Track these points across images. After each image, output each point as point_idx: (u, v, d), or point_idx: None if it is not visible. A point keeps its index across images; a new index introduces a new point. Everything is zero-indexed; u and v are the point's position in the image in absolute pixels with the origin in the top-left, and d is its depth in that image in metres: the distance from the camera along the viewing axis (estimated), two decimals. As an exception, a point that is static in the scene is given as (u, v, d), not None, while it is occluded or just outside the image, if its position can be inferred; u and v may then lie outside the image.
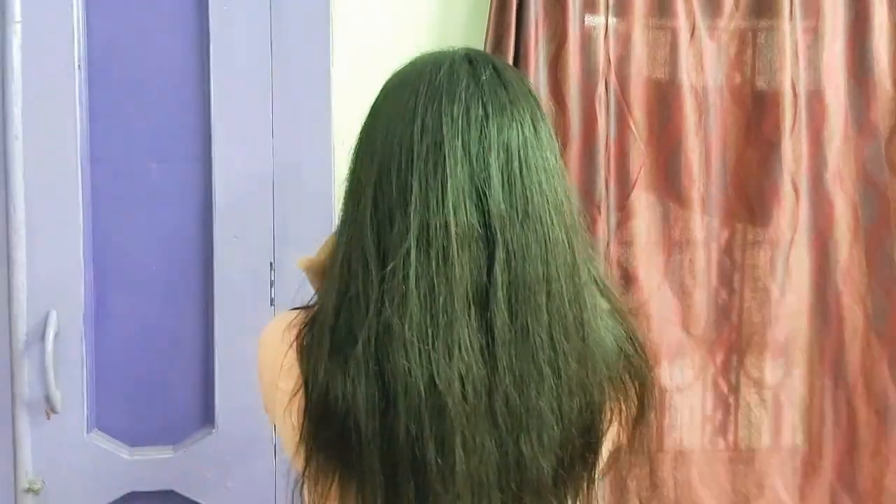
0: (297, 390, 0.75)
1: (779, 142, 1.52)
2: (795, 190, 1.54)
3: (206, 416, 1.38)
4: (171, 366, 1.37)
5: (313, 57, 1.36)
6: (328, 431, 0.74)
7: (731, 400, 1.67)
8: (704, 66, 1.51)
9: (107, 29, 1.33)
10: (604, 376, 0.78)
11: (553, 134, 0.80)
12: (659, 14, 1.50)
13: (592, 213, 1.47)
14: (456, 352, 0.71)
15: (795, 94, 1.52)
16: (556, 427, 0.74)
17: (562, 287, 0.74)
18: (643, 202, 1.55)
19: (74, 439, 1.34)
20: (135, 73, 1.34)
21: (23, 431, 1.33)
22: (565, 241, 0.76)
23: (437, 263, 0.72)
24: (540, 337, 0.73)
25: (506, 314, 0.72)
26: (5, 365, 1.32)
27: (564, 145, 1.45)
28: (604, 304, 0.81)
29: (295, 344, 0.77)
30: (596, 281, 0.80)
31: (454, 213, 0.72)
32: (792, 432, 1.70)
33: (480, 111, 0.75)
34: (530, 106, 0.78)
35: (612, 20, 1.47)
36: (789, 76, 1.51)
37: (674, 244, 1.58)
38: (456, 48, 0.81)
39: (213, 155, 1.35)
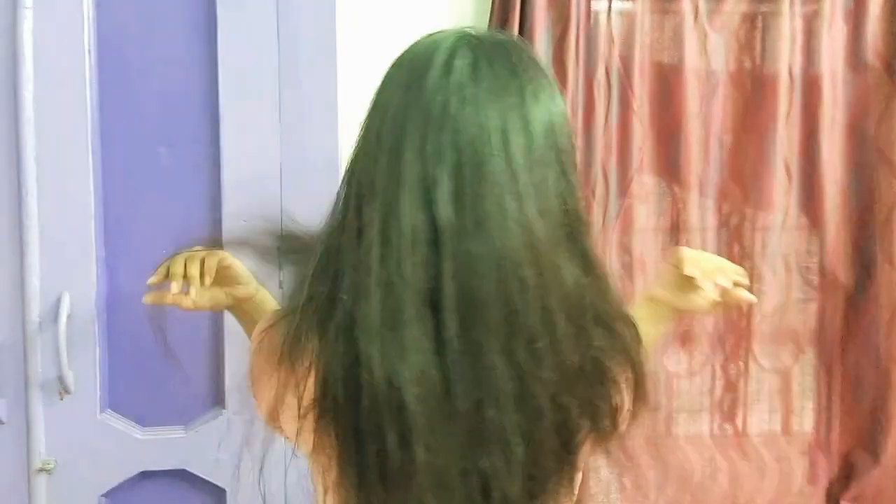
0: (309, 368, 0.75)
1: (775, 126, 1.52)
2: (788, 174, 1.55)
3: (216, 398, 1.39)
4: (182, 347, 1.39)
5: (320, 42, 1.37)
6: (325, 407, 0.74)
7: (741, 385, 1.67)
8: (707, 49, 1.52)
9: (117, 13, 1.34)
10: (584, 397, 0.74)
11: (559, 129, 0.75)
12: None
13: (587, 195, 1.49)
14: (410, 353, 0.70)
15: (792, 79, 1.53)
16: (521, 447, 0.71)
17: (527, 307, 0.70)
18: (646, 185, 1.56)
19: (87, 419, 1.36)
20: (144, 58, 1.36)
21: (36, 412, 1.35)
22: (534, 258, 0.70)
23: (394, 261, 0.70)
24: (493, 359, 0.70)
25: (456, 326, 0.70)
26: (19, 346, 1.34)
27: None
28: (600, 312, 0.75)
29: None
30: (589, 290, 0.74)
31: (406, 213, 0.70)
32: (800, 417, 1.70)
33: (448, 106, 0.71)
34: (520, 98, 0.73)
35: (616, 3, 1.47)
36: (787, 61, 1.52)
37: (677, 227, 1.58)
38: (453, 30, 0.78)
39: (221, 138, 1.36)
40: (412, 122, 0.72)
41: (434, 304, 0.70)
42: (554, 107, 0.76)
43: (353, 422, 0.72)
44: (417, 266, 0.70)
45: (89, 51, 1.34)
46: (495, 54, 0.75)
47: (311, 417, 0.75)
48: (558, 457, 0.74)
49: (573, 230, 0.74)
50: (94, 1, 1.33)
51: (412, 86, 0.74)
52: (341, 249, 0.74)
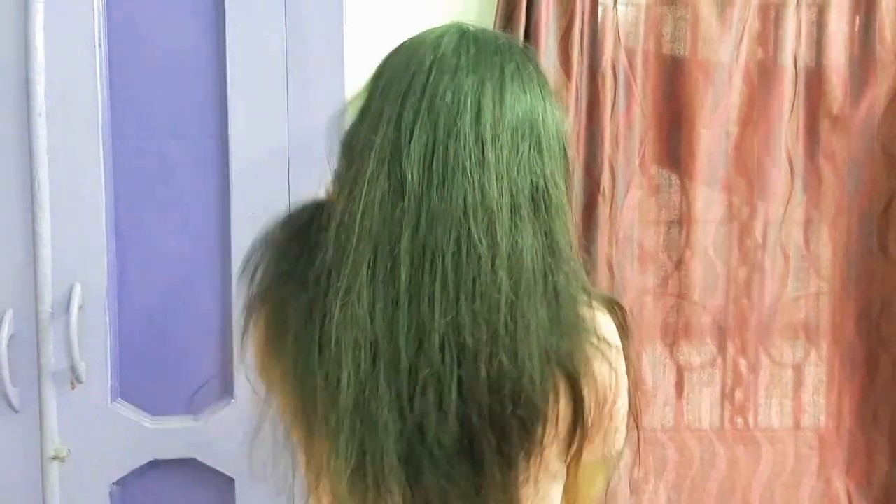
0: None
1: (780, 118, 1.52)
2: (791, 167, 1.55)
3: (226, 387, 1.41)
4: (192, 338, 1.41)
5: (328, 34, 1.38)
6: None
7: (751, 379, 1.67)
8: (712, 42, 1.51)
9: (126, 7, 1.36)
10: (544, 359, 0.76)
11: (541, 115, 0.78)
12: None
13: (592, 188, 1.49)
14: (364, 300, 0.75)
15: (797, 71, 1.52)
16: (455, 397, 0.74)
17: (476, 267, 0.74)
18: (653, 178, 1.56)
19: (98, 408, 1.38)
20: (154, 52, 1.37)
21: (49, 401, 1.37)
22: (489, 223, 0.74)
23: (359, 217, 0.76)
24: (435, 309, 0.74)
25: (407, 274, 0.74)
26: (31, 337, 1.36)
27: (570, 120, 1.46)
28: (555, 290, 0.78)
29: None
30: (548, 269, 0.77)
31: (375, 174, 0.76)
32: (812, 411, 1.70)
33: (429, 74, 0.76)
34: (499, 73, 0.77)
35: (622, -4, 1.47)
36: (792, 53, 1.51)
37: (683, 220, 1.58)
38: (453, 24, 0.83)
39: (229, 132, 1.37)
40: (394, 93, 0.77)
41: (388, 255, 0.75)
42: (536, 98, 0.79)
43: (312, 370, 0.78)
44: (383, 221, 0.75)
45: (99, 45, 1.35)
46: (483, 37, 0.81)
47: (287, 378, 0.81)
48: (509, 415, 0.76)
49: (542, 209, 0.77)
50: (104, -5, 1.35)
51: (400, 64, 0.79)
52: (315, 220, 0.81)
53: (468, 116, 0.75)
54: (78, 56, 1.34)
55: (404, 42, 0.84)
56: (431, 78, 0.76)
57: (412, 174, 0.74)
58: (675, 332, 1.65)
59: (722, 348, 1.65)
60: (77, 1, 1.33)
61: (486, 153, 0.75)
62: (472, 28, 0.82)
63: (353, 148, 0.79)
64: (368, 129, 0.77)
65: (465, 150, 0.74)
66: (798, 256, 1.62)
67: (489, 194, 0.74)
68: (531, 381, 0.75)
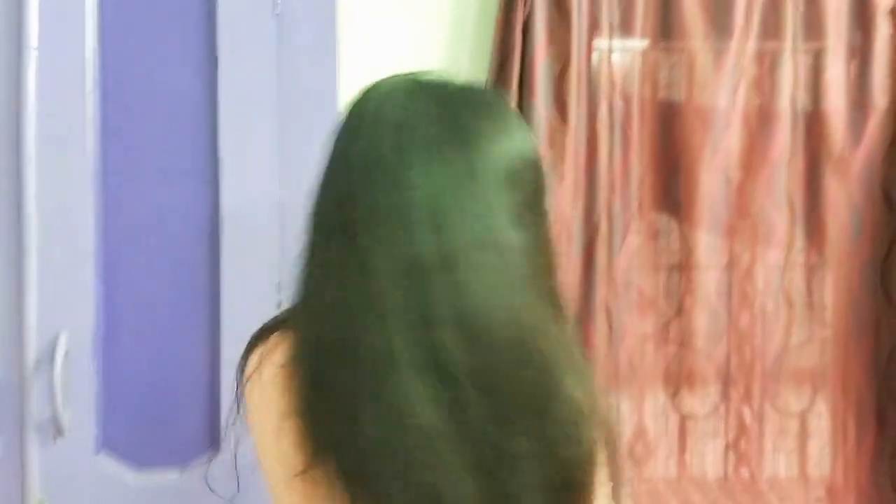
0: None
1: (779, 163, 1.51)
2: (792, 212, 1.54)
3: (212, 440, 1.37)
4: (179, 388, 1.38)
5: (320, 80, 1.37)
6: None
7: (755, 428, 1.63)
8: (708, 87, 1.51)
9: (119, 54, 1.36)
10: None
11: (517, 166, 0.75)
12: (664, 35, 1.50)
13: (591, 233, 1.48)
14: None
15: (795, 116, 1.52)
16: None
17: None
18: (651, 223, 1.54)
19: (82, 461, 1.35)
20: (146, 96, 1.37)
21: (31, 453, 1.34)
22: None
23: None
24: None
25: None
26: (15, 386, 1.33)
27: (567, 164, 1.45)
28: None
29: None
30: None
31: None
32: (818, 461, 1.66)
33: (389, 156, 0.73)
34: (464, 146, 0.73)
35: (617, 41, 1.47)
36: (790, 98, 1.51)
37: (683, 266, 1.56)
38: (402, 76, 0.80)
39: (220, 176, 1.36)
40: (361, 167, 0.73)
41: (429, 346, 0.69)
42: (511, 143, 0.75)
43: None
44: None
45: (92, 90, 1.35)
46: (447, 98, 0.76)
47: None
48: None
49: (542, 274, 0.75)
50: (97, 41, 1.35)
51: (351, 133, 0.76)
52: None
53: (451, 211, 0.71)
54: (70, 102, 1.34)
55: (353, 103, 0.79)
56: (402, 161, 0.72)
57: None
58: (678, 381, 1.61)
59: (725, 397, 1.61)
60: (70, 47, 1.34)
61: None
62: (431, 82, 0.78)
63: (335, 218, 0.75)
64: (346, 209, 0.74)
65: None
66: (801, 303, 1.60)
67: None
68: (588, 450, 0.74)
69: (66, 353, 1.33)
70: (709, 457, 1.65)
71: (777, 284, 1.57)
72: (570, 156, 1.45)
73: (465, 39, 1.48)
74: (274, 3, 1.37)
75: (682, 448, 1.64)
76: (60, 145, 1.34)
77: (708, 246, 1.56)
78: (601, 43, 1.48)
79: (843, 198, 1.55)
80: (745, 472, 1.64)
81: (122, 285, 1.37)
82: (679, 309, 1.58)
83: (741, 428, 1.62)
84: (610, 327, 1.51)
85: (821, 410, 1.64)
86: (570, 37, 1.43)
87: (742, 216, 1.55)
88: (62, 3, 1.34)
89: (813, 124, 1.54)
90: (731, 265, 1.57)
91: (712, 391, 1.62)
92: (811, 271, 1.59)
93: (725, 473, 1.64)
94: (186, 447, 1.38)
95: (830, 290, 1.59)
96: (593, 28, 1.47)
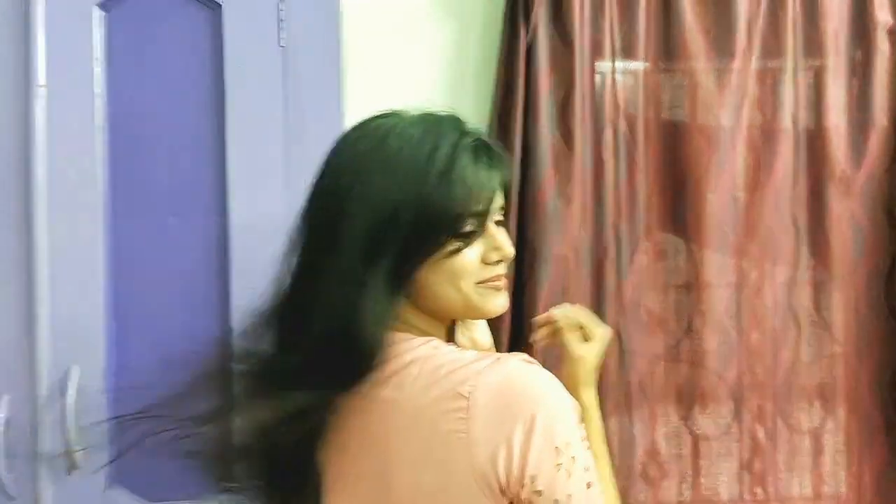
0: None
1: (784, 182, 1.51)
2: (797, 231, 1.53)
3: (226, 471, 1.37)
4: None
5: (325, 110, 1.38)
6: None
7: (769, 447, 1.62)
8: (712, 107, 1.51)
9: (128, 90, 1.38)
10: None
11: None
12: (666, 57, 1.51)
13: (599, 254, 1.47)
14: None
15: (797, 134, 1.52)
16: None
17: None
18: (653, 245, 1.54)
19: (95, 495, 1.35)
20: (154, 132, 1.38)
21: (44, 488, 1.34)
22: None
23: None
24: None
25: None
26: (27, 421, 1.33)
27: (574, 188, 1.45)
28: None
29: None
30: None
31: None
32: (834, 478, 1.64)
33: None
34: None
35: (620, 64, 1.48)
36: (792, 117, 1.51)
37: (692, 285, 1.56)
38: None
39: (228, 208, 1.37)
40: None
41: None
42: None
43: None
44: None
45: (100, 127, 1.36)
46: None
47: None
48: None
49: None
50: (105, 79, 1.37)
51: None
52: None
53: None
54: (79, 139, 1.35)
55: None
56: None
57: None
58: (690, 401, 1.60)
59: (738, 416, 1.60)
60: (78, 85, 1.35)
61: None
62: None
63: None
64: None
65: None
66: (809, 321, 1.59)
67: None
68: None
69: (78, 388, 1.33)
70: (723, 477, 1.64)
71: (785, 303, 1.56)
72: (576, 180, 1.45)
73: (468, 68, 1.49)
74: (279, 36, 1.38)
75: (696, 469, 1.63)
76: (70, 182, 1.35)
77: (716, 264, 1.56)
78: (604, 66, 1.49)
79: (846, 215, 1.55)
80: (759, 491, 1.63)
81: (133, 318, 1.38)
82: (688, 328, 1.57)
83: (755, 447, 1.61)
84: (621, 349, 1.51)
85: (832, 427, 1.63)
86: (572, 62, 1.43)
87: (749, 235, 1.55)
88: (69, 40, 1.35)
89: (815, 142, 1.54)
90: (739, 284, 1.57)
91: (724, 411, 1.61)
92: (818, 289, 1.58)
93: (740, 494, 1.62)
94: (198, 480, 1.37)
95: (838, 308, 1.58)
96: (595, 52, 1.47)
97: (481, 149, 0.87)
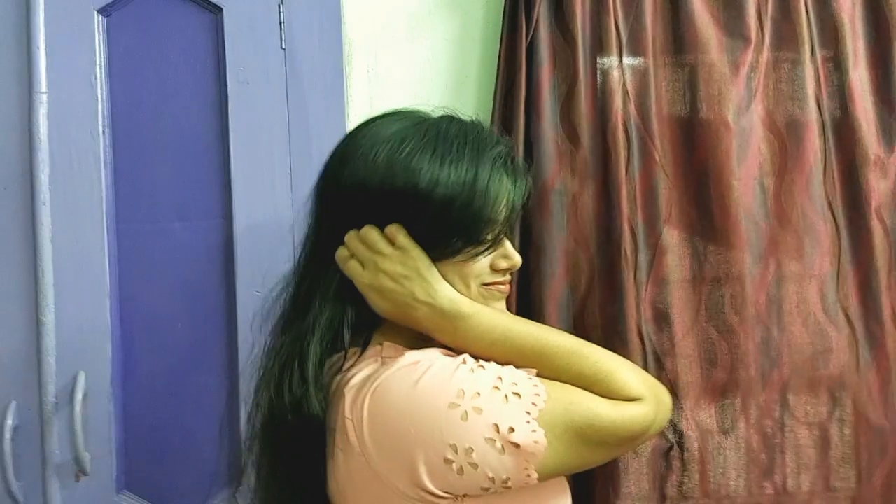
0: None
1: (813, 170, 1.48)
2: (834, 218, 1.50)
3: (232, 476, 1.36)
4: (198, 424, 1.37)
5: (328, 112, 1.38)
6: None
7: (778, 440, 1.61)
8: (727, 97, 1.48)
9: (129, 95, 1.37)
10: None
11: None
12: (675, 50, 1.48)
13: (612, 253, 1.45)
14: None
15: (823, 121, 1.49)
16: None
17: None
18: (675, 238, 1.51)
19: (104, 501, 1.34)
20: (157, 136, 1.38)
21: (53, 494, 1.34)
22: None
23: None
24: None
25: None
26: (35, 427, 1.33)
27: (580, 184, 1.44)
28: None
29: None
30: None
31: None
32: (844, 472, 1.63)
33: None
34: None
35: (626, 58, 1.46)
36: (815, 102, 1.48)
37: (710, 280, 1.53)
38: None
39: (234, 212, 1.36)
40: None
41: None
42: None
43: None
44: None
45: (103, 132, 1.36)
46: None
47: None
48: None
49: None
50: (106, 83, 1.36)
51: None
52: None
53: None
54: (81, 143, 1.35)
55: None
56: None
57: None
58: (698, 395, 1.59)
59: (745, 410, 1.59)
60: (80, 90, 1.35)
61: None
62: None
63: None
64: None
65: None
66: (856, 315, 1.55)
67: None
68: None
69: (85, 394, 1.33)
70: (732, 471, 1.63)
71: (825, 294, 1.52)
72: (582, 175, 1.44)
73: (470, 67, 1.48)
74: (281, 38, 1.38)
75: (704, 463, 1.62)
76: (73, 187, 1.35)
77: (743, 257, 1.53)
78: (609, 60, 1.47)
79: (885, 200, 1.51)
80: (768, 486, 1.62)
81: (139, 323, 1.37)
82: (716, 326, 1.54)
83: (764, 441, 1.60)
84: (644, 349, 1.48)
85: (843, 419, 1.62)
86: (575, 57, 1.42)
87: (762, 228, 1.52)
88: (70, 46, 1.35)
89: (842, 128, 1.50)
90: (770, 276, 1.53)
91: (733, 404, 1.60)
92: (860, 278, 1.53)
93: (748, 487, 1.61)
94: (207, 484, 1.37)
95: (884, 298, 1.54)
96: (599, 46, 1.46)
97: (513, 161, 0.93)
